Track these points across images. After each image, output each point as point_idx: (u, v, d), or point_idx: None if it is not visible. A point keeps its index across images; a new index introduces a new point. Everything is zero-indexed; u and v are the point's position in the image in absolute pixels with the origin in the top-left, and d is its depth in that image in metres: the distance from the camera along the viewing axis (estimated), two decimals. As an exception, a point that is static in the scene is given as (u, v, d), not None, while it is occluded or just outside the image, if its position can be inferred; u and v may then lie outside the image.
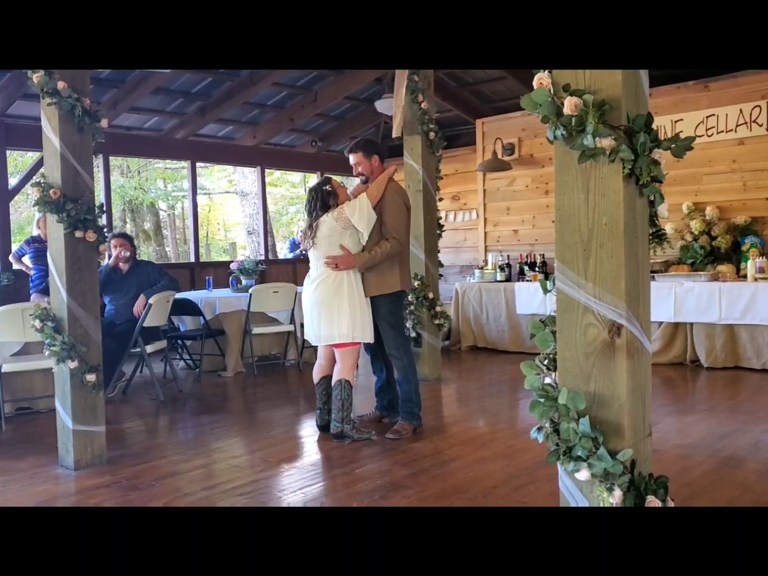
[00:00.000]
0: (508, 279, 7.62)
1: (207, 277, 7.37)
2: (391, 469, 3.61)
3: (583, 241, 1.86)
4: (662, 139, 1.81)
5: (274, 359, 6.97)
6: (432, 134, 5.77)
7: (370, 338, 4.14)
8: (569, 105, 1.78)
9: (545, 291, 2.04)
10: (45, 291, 5.71)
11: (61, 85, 3.54)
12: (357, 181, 4.38)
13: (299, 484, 3.44)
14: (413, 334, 5.70)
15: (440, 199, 6.21)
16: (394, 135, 5.83)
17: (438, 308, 5.87)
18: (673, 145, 1.83)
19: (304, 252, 12.37)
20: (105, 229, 3.81)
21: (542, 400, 1.90)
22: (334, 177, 4.34)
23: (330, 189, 4.09)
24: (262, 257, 9.84)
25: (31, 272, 6.46)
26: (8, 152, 7.58)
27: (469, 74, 8.55)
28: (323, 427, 4.28)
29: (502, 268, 7.68)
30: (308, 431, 4.52)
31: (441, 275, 6.20)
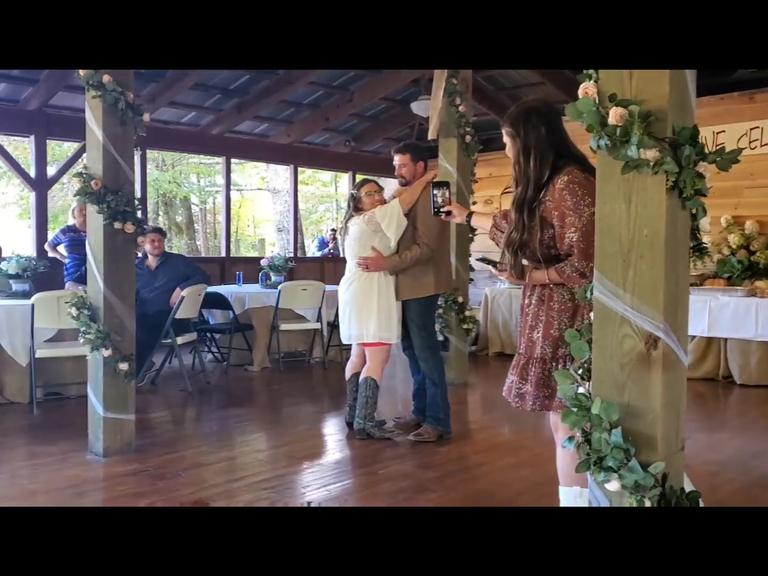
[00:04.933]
0: (538, 286, 7.54)
1: (237, 272, 7.43)
2: (415, 472, 3.61)
3: (623, 252, 1.84)
4: (707, 151, 1.79)
5: (299, 356, 7.01)
6: (468, 137, 5.76)
7: (396, 339, 4.20)
8: (614, 115, 1.77)
9: (583, 300, 2.02)
10: (79, 279, 5.81)
11: (106, 78, 3.61)
12: (392, 182, 4.40)
13: (323, 481, 3.46)
14: (441, 338, 5.67)
15: (473, 203, 6.20)
16: (429, 137, 5.83)
17: (467, 313, 5.86)
18: (718, 159, 1.80)
19: (332, 251, 12.32)
20: (142, 222, 3.88)
21: (575, 409, 1.89)
22: (372, 178, 4.38)
23: (355, 194, 4.25)
24: (291, 254, 9.89)
25: (66, 261, 6.56)
26: (47, 142, 7.71)
27: (506, 78, 8.50)
28: (351, 424, 4.31)
29: (532, 275, 7.60)
30: (332, 429, 4.54)
31: (471, 279, 6.19)
